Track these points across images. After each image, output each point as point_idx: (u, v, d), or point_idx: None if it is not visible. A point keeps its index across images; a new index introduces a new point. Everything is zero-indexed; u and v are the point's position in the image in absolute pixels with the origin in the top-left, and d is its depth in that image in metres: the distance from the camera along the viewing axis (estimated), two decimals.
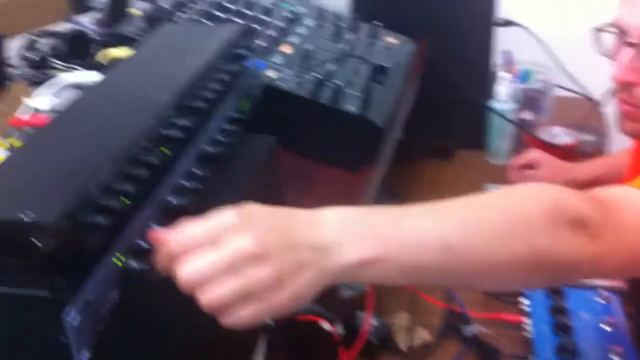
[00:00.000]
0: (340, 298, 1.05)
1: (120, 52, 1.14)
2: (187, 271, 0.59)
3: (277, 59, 1.15)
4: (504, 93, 1.62)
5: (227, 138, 0.83)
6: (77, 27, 1.79)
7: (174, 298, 0.60)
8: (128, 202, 0.62)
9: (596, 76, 1.52)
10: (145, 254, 0.61)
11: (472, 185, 1.55)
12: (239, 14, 1.24)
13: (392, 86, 1.22)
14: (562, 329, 1.05)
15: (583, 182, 1.42)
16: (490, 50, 1.68)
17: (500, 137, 1.64)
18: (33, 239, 0.52)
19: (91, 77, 0.94)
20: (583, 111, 1.75)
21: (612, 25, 1.01)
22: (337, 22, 1.32)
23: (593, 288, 1.13)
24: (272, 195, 0.90)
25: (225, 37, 0.91)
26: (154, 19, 1.12)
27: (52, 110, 0.87)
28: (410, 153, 1.56)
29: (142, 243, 0.63)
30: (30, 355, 0.58)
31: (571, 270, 0.71)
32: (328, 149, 1.11)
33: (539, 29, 1.76)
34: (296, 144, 1.09)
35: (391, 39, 1.36)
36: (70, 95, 0.94)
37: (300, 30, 1.27)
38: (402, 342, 1.07)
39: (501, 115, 1.59)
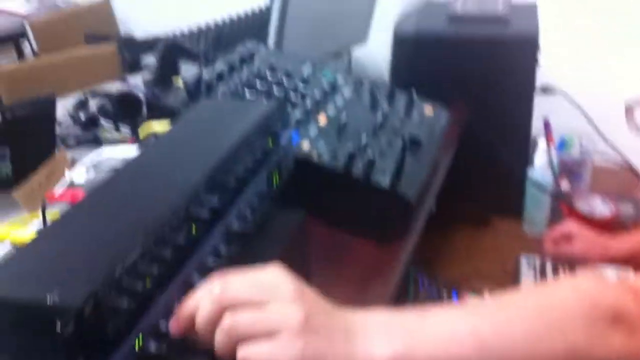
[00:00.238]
0: None
1: (159, 126, 1.18)
2: (232, 325, 0.62)
3: (312, 129, 1.17)
4: (541, 161, 1.62)
5: (255, 214, 0.85)
6: (127, 87, 1.86)
7: None
8: (152, 284, 0.65)
9: (637, 145, 1.52)
10: (165, 336, 0.63)
11: (507, 255, 1.55)
12: (278, 84, 1.28)
13: (425, 159, 1.24)
14: None
15: (620, 257, 1.40)
16: (529, 117, 1.68)
17: (537, 206, 1.63)
18: (56, 321, 0.55)
19: (128, 152, 0.98)
20: (623, 180, 1.74)
21: None
22: (374, 91, 1.34)
23: None
24: (300, 270, 0.92)
25: (260, 114, 0.93)
26: (195, 90, 1.16)
27: (88, 183, 0.91)
28: (445, 220, 1.56)
29: (163, 324, 0.65)
30: None
31: None
32: (358, 221, 1.13)
33: (579, 96, 1.76)
34: (326, 214, 1.12)
35: (427, 109, 1.38)
36: (108, 168, 0.98)
37: (338, 100, 1.30)
38: None
39: (538, 184, 1.59)
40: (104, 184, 0.77)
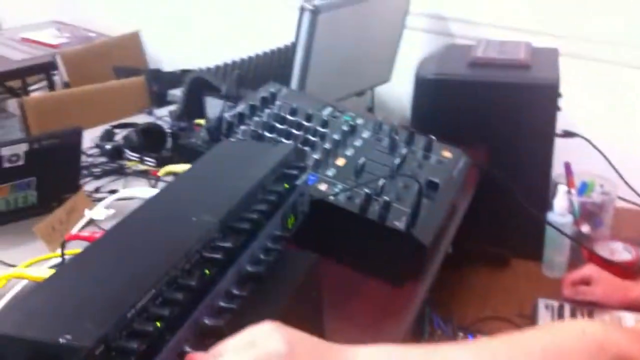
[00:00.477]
0: None
1: (178, 168, 1.20)
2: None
3: (329, 171, 1.19)
4: (562, 205, 1.61)
5: (269, 257, 0.86)
6: (153, 119, 1.89)
7: None
8: (163, 325, 0.66)
9: None
10: None
11: (524, 298, 1.54)
12: (298, 126, 1.30)
13: (442, 202, 1.24)
14: None
15: None
16: (550, 161, 1.68)
17: (557, 250, 1.63)
18: None
19: (147, 192, 1.01)
20: None
21: None
22: (393, 134, 1.36)
23: None
24: (311, 313, 0.93)
25: (277, 157, 0.95)
26: (216, 130, 1.19)
27: (107, 222, 0.93)
28: (463, 261, 1.56)
29: None
30: None
31: None
32: (373, 262, 1.14)
33: (600, 141, 1.76)
34: (341, 254, 1.13)
35: (446, 152, 1.39)
36: (126, 208, 1.00)
37: (356, 142, 1.32)
38: None
39: (558, 228, 1.59)
40: (120, 224, 0.79)
